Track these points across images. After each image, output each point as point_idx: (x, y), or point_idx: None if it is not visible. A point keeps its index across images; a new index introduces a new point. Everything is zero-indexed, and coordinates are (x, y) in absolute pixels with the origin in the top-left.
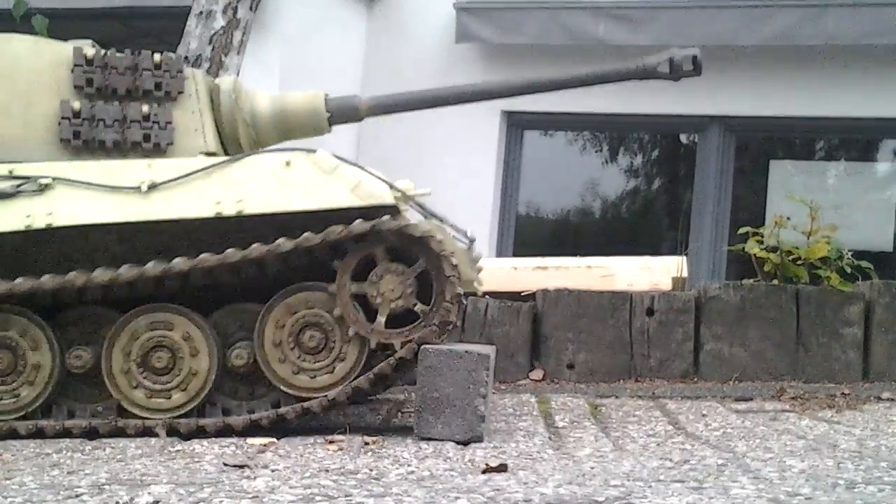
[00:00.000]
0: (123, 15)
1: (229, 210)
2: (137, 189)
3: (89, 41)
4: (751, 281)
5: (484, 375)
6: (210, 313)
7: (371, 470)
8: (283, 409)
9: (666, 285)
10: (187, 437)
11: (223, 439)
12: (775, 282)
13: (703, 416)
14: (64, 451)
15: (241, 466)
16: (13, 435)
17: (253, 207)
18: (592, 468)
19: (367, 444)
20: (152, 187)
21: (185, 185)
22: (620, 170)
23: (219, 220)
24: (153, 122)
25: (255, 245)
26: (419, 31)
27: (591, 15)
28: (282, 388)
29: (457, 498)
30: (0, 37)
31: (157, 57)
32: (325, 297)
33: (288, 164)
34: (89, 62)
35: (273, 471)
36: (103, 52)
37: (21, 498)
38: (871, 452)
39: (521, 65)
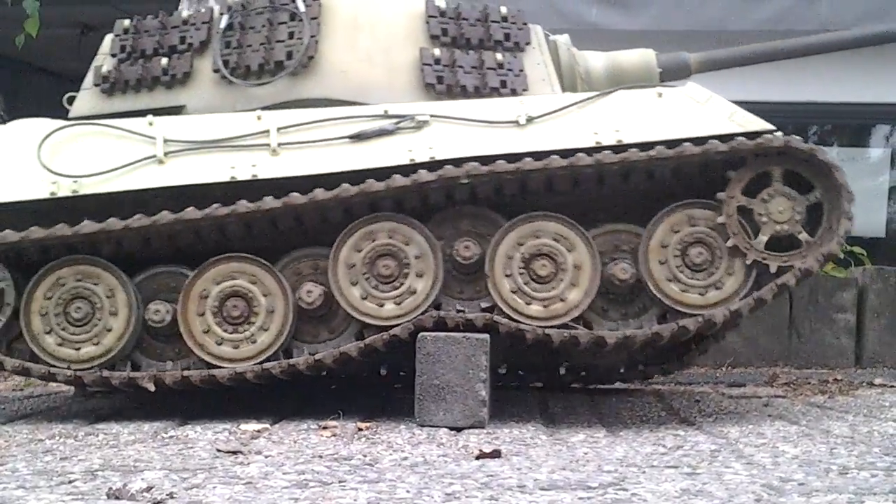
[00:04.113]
0: None
1: (608, 140)
2: (515, 122)
3: None
4: None
5: (483, 360)
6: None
7: (365, 456)
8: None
9: None
10: None
11: (216, 425)
12: None
13: (697, 401)
14: (57, 437)
15: (235, 452)
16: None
17: (631, 136)
18: (586, 454)
19: (360, 429)
20: (529, 120)
21: (561, 118)
22: None
23: (597, 150)
24: (507, 70)
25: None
26: None
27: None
28: (666, 302)
29: (451, 484)
30: None
31: (503, 9)
32: (710, 215)
33: (660, 95)
34: (442, 13)
35: (266, 457)
36: (455, 4)
37: (14, 484)
38: (864, 438)
39: None
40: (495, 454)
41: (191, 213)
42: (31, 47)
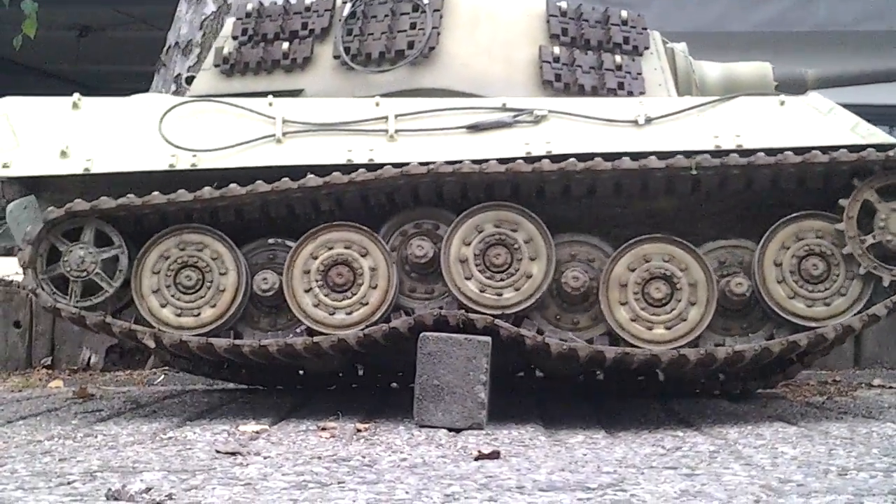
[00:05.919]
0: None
1: (728, 143)
2: (634, 122)
3: None
4: None
5: (484, 362)
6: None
7: (364, 457)
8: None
9: None
10: None
11: (215, 426)
12: None
13: (696, 402)
14: (56, 439)
15: (234, 453)
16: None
17: (753, 142)
18: (585, 455)
19: (359, 430)
20: (648, 121)
21: (681, 120)
22: None
23: (715, 154)
24: (626, 72)
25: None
26: None
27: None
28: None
29: (450, 485)
30: None
31: (624, 13)
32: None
33: (782, 104)
34: (563, 13)
35: (265, 458)
36: (576, 5)
37: (13, 485)
38: (863, 439)
39: None
40: (494, 455)
41: (409, 170)
42: (30, 49)
